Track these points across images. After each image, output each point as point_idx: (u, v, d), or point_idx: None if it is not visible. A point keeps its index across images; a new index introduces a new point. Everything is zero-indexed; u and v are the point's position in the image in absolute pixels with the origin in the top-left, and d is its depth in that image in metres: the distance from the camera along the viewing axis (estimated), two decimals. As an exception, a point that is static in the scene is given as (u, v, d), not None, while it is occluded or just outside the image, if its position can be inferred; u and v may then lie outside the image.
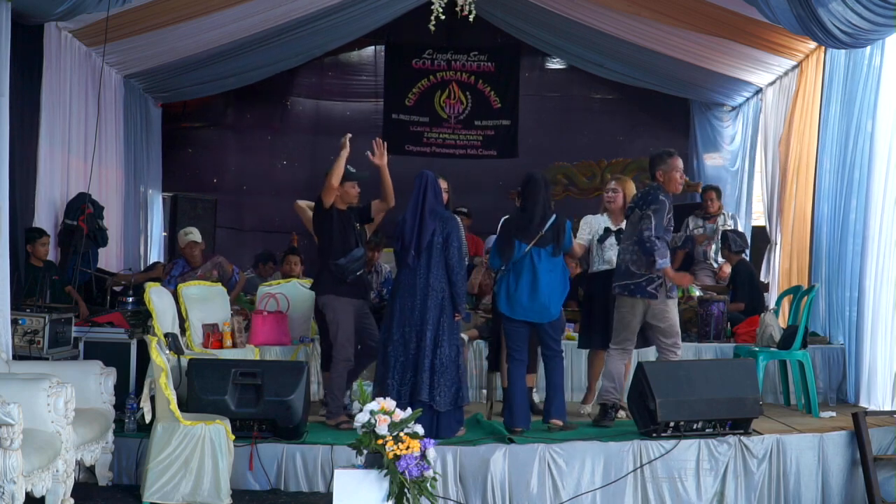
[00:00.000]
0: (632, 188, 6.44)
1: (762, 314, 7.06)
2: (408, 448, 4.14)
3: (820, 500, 5.55)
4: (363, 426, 4.22)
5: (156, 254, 10.62)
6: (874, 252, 6.57)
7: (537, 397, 6.52)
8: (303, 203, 6.78)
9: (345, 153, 5.94)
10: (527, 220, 5.82)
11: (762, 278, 8.82)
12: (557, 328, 5.94)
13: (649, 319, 5.86)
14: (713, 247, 8.82)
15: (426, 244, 5.61)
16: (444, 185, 6.09)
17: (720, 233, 8.50)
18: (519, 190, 6.91)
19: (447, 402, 5.53)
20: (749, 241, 8.83)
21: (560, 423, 5.74)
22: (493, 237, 7.49)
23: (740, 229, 8.93)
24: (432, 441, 4.29)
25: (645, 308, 5.84)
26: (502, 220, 6.16)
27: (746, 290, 7.88)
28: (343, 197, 6.05)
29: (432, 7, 6.36)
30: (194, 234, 8.05)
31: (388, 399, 4.34)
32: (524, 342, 5.85)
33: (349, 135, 6.02)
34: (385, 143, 6.07)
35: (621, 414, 6.06)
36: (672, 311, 5.90)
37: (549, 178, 6.19)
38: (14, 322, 5.52)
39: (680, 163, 5.99)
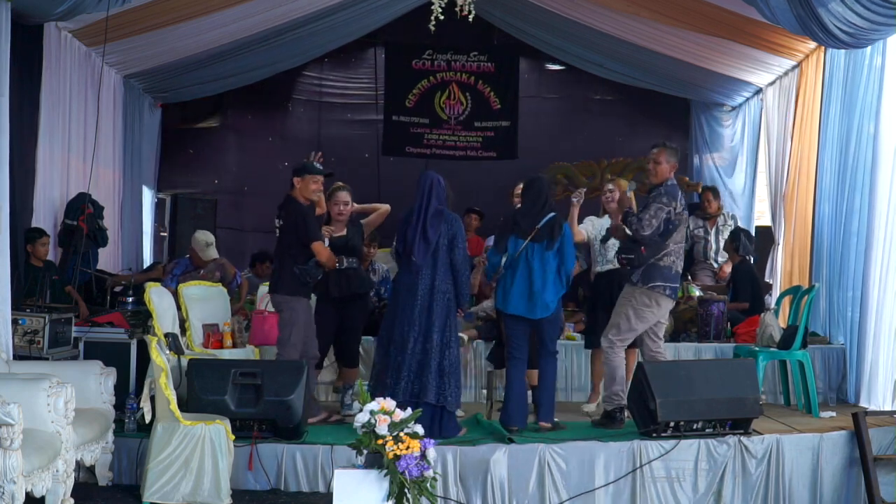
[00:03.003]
0: (624, 186, 6.43)
1: (762, 314, 7.06)
2: (408, 448, 4.14)
3: (819, 500, 5.55)
4: (363, 426, 4.22)
5: (149, 253, 10.61)
6: (878, 252, 6.54)
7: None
8: None
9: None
10: (523, 217, 5.84)
11: (766, 278, 8.81)
12: (555, 327, 5.92)
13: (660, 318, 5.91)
14: (713, 246, 8.82)
15: (432, 246, 5.59)
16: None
17: (730, 230, 8.43)
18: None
19: (457, 401, 5.57)
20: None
21: (548, 425, 5.73)
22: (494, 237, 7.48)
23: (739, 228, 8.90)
24: (432, 441, 4.29)
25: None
26: (503, 217, 6.17)
27: (748, 289, 7.87)
28: (302, 191, 5.90)
29: (432, 7, 6.36)
30: (212, 250, 8.00)
31: (388, 399, 4.34)
32: (523, 340, 5.83)
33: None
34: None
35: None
36: None
37: (551, 182, 6.21)
38: (14, 322, 5.52)
39: None
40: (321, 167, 5.96)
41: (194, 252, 8.04)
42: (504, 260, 5.84)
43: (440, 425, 5.49)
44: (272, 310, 6.91)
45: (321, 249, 5.81)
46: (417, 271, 5.59)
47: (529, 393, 6.09)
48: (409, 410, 4.30)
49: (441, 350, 5.52)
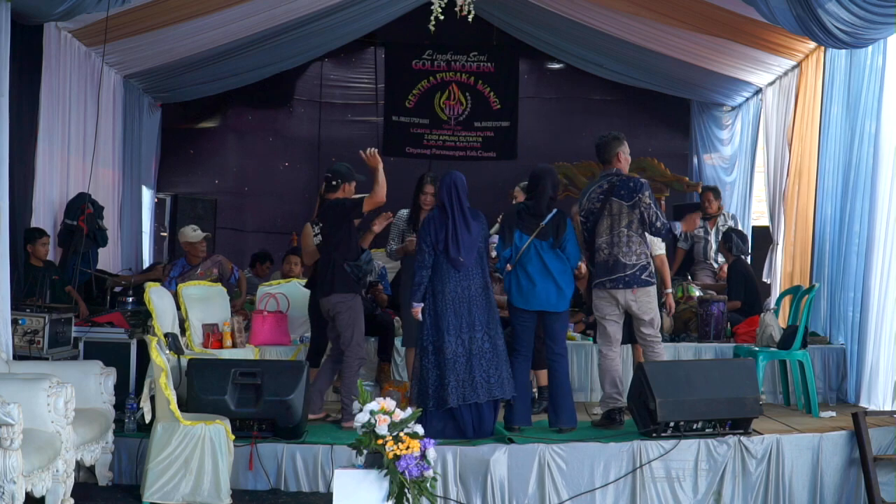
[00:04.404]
0: None
1: (762, 314, 7.05)
2: (408, 448, 4.14)
3: (819, 500, 5.54)
4: (363, 426, 4.23)
5: (148, 254, 10.61)
6: (879, 252, 6.52)
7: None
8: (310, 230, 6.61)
9: (381, 166, 5.90)
10: (528, 213, 5.82)
11: (764, 279, 8.81)
12: (565, 325, 5.92)
13: (636, 312, 5.82)
14: (713, 246, 8.82)
15: (476, 243, 5.61)
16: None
17: (723, 231, 8.45)
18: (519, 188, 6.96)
19: (512, 388, 5.60)
20: (750, 241, 8.81)
21: (574, 429, 5.72)
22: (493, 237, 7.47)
23: (741, 229, 8.91)
24: (432, 441, 4.30)
25: (629, 300, 5.79)
26: (504, 212, 6.17)
27: (741, 288, 7.86)
28: (347, 196, 6.08)
29: (432, 7, 6.36)
30: (198, 232, 8.07)
31: (388, 399, 4.34)
32: (530, 337, 5.82)
33: (373, 149, 5.97)
34: (377, 151, 5.98)
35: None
36: (655, 301, 5.94)
37: (555, 171, 6.17)
38: (14, 322, 5.53)
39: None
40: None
41: (187, 248, 8.05)
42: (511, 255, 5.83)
43: (501, 416, 5.64)
44: (271, 310, 6.96)
45: (369, 200, 5.85)
46: (464, 271, 5.56)
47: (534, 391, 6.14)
48: (408, 410, 4.30)
49: (493, 345, 5.55)
